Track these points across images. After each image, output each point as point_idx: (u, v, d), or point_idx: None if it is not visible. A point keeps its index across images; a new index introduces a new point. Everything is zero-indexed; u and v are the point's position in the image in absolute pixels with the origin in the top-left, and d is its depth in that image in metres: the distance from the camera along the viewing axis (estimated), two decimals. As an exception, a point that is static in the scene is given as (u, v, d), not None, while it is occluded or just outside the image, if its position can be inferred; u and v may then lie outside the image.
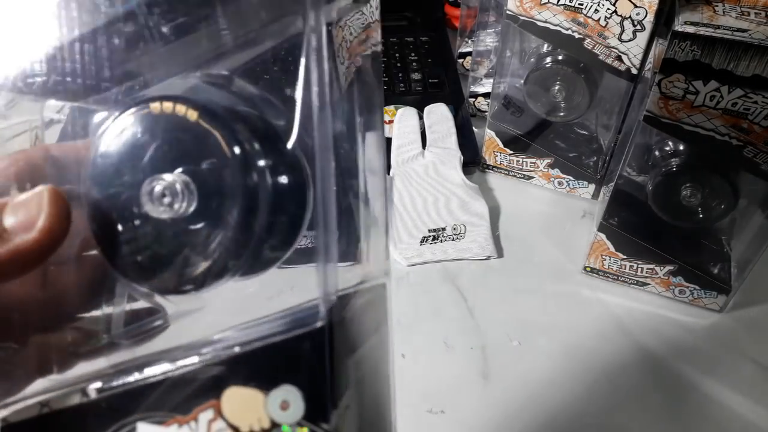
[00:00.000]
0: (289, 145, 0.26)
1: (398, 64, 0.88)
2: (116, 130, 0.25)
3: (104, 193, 0.25)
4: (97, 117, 0.27)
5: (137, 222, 0.25)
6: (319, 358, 0.23)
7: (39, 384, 0.27)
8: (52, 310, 0.27)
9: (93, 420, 0.25)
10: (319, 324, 0.23)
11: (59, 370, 0.27)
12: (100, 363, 0.28)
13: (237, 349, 0.24)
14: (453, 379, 0.55)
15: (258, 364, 0.24)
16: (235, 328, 0.26)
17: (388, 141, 0.76)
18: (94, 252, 0.26)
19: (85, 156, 0.26)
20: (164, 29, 0.24)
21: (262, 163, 0.25)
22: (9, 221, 0.24)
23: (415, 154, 0.75)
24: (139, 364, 0.26)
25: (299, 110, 0.25)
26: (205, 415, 0.24)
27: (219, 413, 0.24)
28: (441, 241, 0.66)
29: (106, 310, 0.28)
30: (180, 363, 0.25)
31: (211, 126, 0.24)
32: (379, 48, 0.28)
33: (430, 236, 0.67)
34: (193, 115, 0.24)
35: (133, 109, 0.25)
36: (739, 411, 0.53)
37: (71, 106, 0.28)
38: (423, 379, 0.54)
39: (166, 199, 0.24)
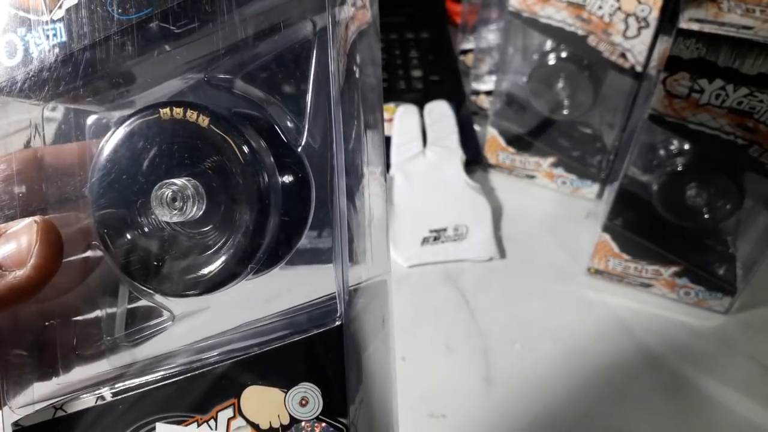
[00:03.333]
0: (299, 146, 0.26)
1: (398, 61, 0.88)
2: (124, 135, 0.25)
3: (112, 198, 0.26)
4: (91, 119, 0.28)
5: (146, 227, 0.26)
6: (337, 356, 0.24)
7: (47, 388, 0.27)
8: (54, 312, 0.28)
9: (110, 422, 0.26)
10: (337, 323, 0.24)
11: (64, 371, 0.28)
12: (104, 365, 0.28)
13: (256, 350, 0.25)
14: (454, 383, 0.54)
15: (277, 364, 0.25)
16: (248, 328, 0.27)
17: (388, 139, 0.76)
18: (91, 254, 0.27)
19: (79, 158, 0.27)
20: (174, 32, 0.25)
21: (272, 166, 0.25)
22: (1, 254, 0.25)
23: (416, 153, 0.74)
24: (152, 366, 0.27)
25: (310, 112, 0.26)
26: (225, 414, 0.25)
27: (238, 411, 0.25)
28: (442, 241, 0.66)
29: (108, 311, 0.29)
30: (197, 364, 0.26)
31: (224, 132, 0.24)
32: (370, 27, 0.28)
33: (431, 237, 0.66)
34: (204, 121, 0.24)
35: (141, 114, 0.25)
36: (744, 413, 0.52)
37: (66, 107, 0.28)
38: (424, 383, 0.54)
39: (177, 204, 0.25)
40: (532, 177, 0.76)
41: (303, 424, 0.25)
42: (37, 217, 0.25)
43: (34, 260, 0.24)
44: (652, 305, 0.62)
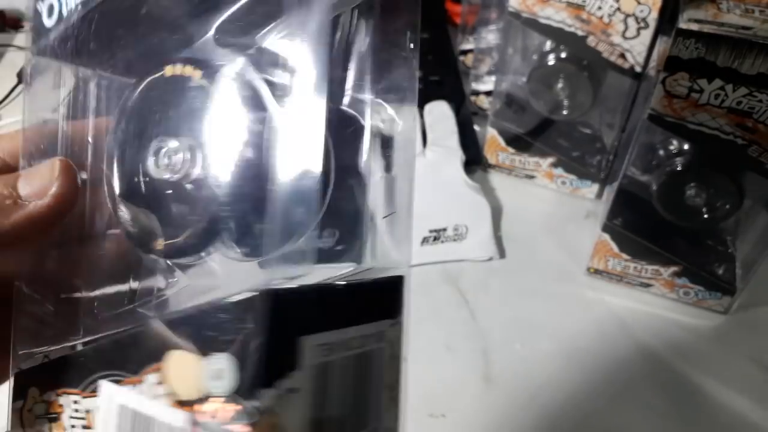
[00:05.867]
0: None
1: (399, 62, 0.87)
2: (138, 94, 0.25)
3: (124, 157, 0.26)
4: (95, 82, 0.28)
5: (144, 183, 0.25)
6: (256, 329, 0.20)
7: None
8: (83, 279, 0.28)
9: (74, 372, 0.26)
10: (257, 293, 0.21)
11: (85, 335, 0.28)
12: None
13: (187, 310, 0.23)
14: (454, 383, 0.54)
15: (198, 327, 0.22)
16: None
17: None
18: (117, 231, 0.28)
19: (97, 133, 0.27)
20: None
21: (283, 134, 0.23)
22: (24, 189, 0.26)
23: (416, 153, 0.74)
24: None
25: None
26: (152, 378, 0.23)
27: (164, 377, 0.22)
28: (442, 241, 0.66)
29: (132, 284, 0.28)
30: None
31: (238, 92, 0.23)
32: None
33: (430, 237, 0.66)
34: (203, 78, 0.23)
35: (149, 74, 0.25)
36: (744, 413, 0.52)
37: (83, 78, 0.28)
38: (424, 383, 0.54)
39: (165, 161, 0.24)
40: (531, 177, 0.76)
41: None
42: (59, 157, 0.26)
43: (54, 189, 0.25)
44: (651, 305, 0.62)
